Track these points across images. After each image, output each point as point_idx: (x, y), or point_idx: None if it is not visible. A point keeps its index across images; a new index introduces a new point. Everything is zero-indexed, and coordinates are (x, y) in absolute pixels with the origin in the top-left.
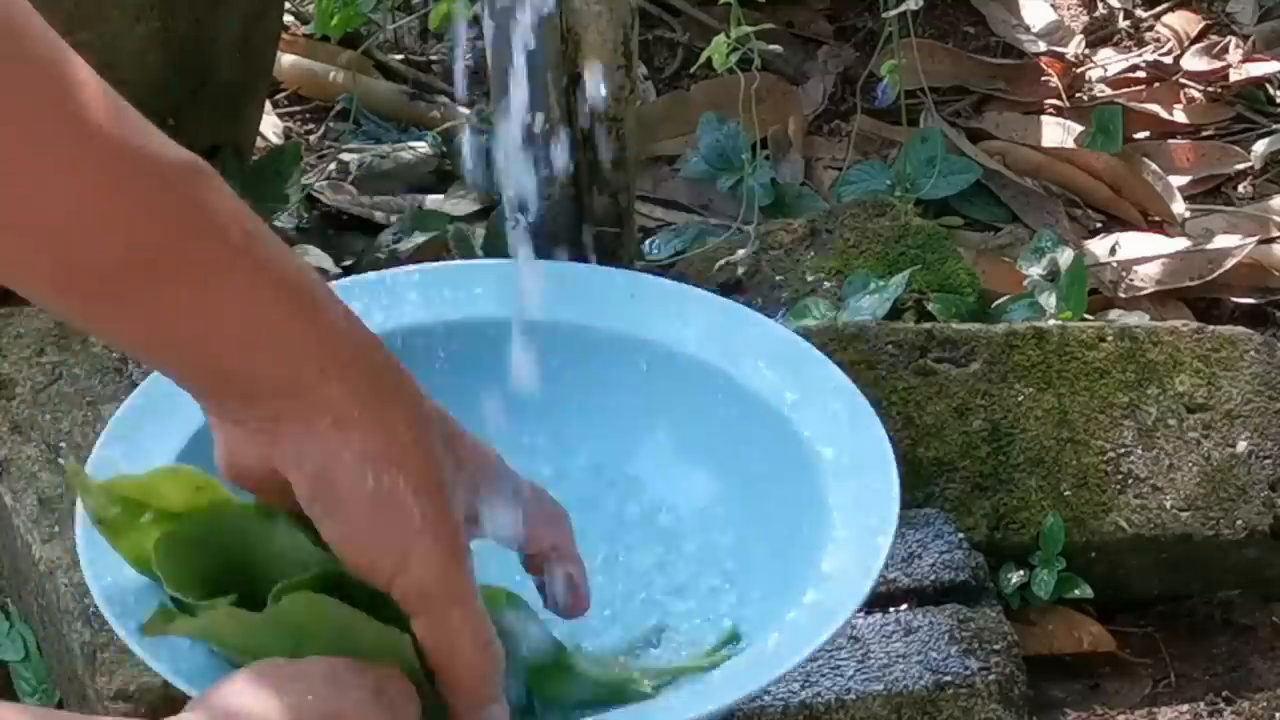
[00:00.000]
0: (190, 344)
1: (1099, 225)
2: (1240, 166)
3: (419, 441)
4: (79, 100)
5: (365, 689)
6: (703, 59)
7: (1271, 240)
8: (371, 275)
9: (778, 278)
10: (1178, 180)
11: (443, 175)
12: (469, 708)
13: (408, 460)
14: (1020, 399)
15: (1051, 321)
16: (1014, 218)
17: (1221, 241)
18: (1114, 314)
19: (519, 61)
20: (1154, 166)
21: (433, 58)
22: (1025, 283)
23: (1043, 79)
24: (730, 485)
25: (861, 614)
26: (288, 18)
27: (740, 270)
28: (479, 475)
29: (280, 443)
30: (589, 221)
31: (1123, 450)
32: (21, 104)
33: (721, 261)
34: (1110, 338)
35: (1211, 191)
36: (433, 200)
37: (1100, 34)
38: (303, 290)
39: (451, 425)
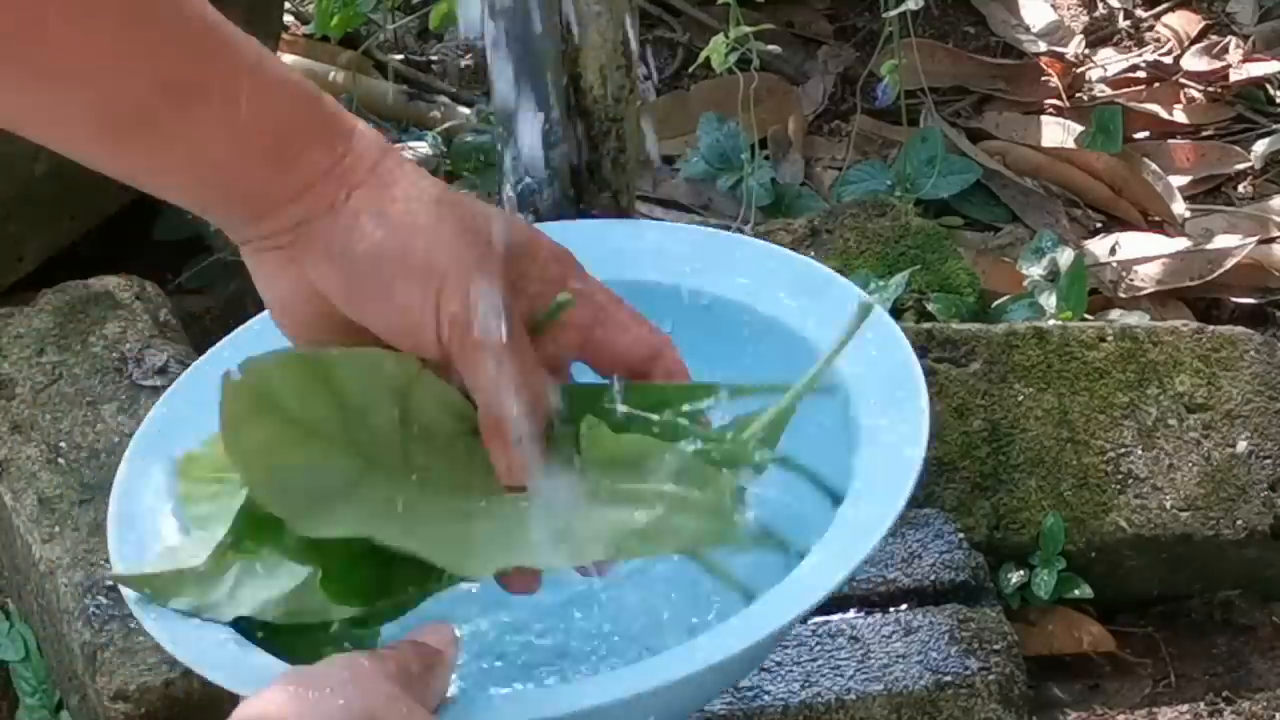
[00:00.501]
0: (226, 163)
1: (1099, 225)
2: (1240, 166)
3: (430, 194)
4: None
5: (391, 678)
6: (702, 59)
7: (1271, 240)
8: None
9: None
10: (1178, 180)
11: (443, 175)
12: (508, 445)
13: (424, 211)
14: (1020, 399)
15: (1051, 321)
16: (1014, 218)
17: (1221, 241)
18: (1114, 314)
19: (519, 61)
20: (1154, 166)
21: (433, 58)
22: (1025, 283)
23: (1043, 79)
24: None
25: (862, 614)
26: (288, 18)
27: None
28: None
29: (311, 247)
30: None
31: (1123, 450)
32: None
33: None
34: (1110, 338)
35: (1211, 191)
36: None
37: (1100, 34)
38: (311, 92)
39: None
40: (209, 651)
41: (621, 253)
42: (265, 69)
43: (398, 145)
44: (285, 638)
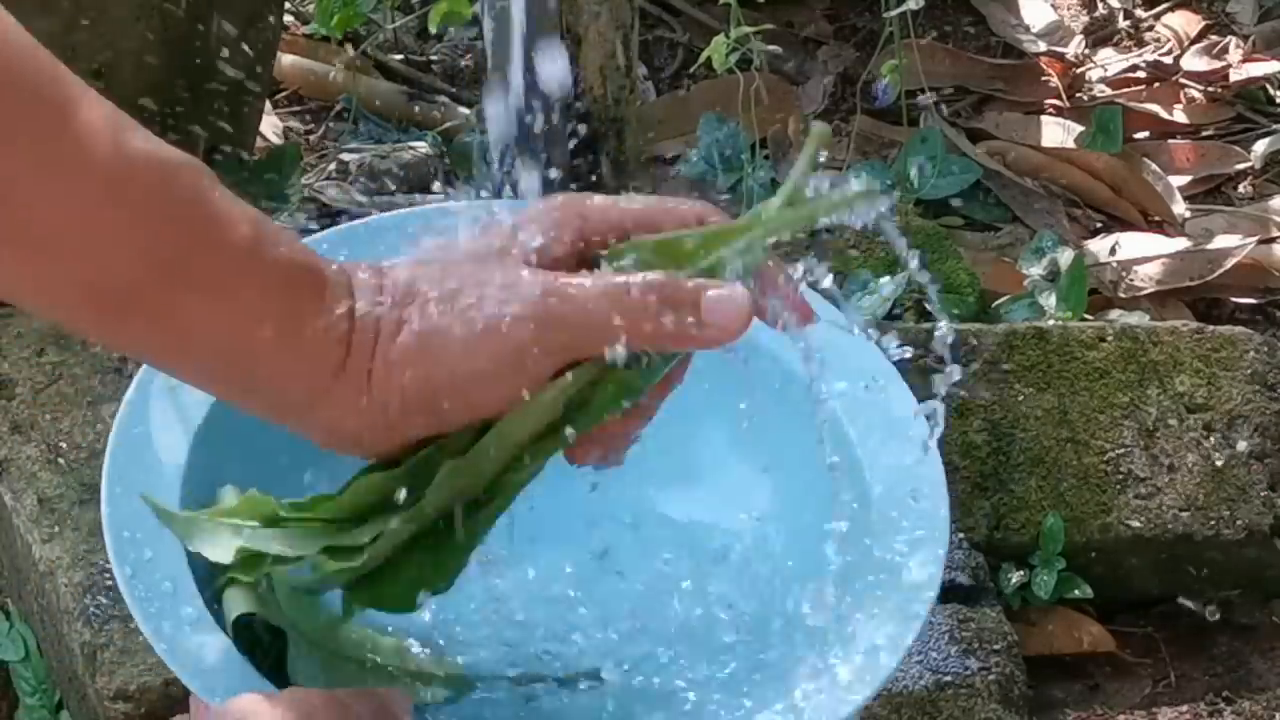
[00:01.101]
0: (216, 354)
1: (1099, 225)
2: (1240, 166)
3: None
4: (77, 115)
5: (367, 713)
6: (702, 59)
7: (1271, 240)
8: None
9: None
10: (1178, 180)
11: (443, 175)
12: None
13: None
14: (1020, 399)
15: (1051, 321)
16: (1014, 218)
17: (1221, 241)
18: (1114, 314)
19: (519, 61)
20: (1154, 166)
21: (433, 58)
22: (1025, 283)
23: (1043, 79)
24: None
25: None
26: (288, 18)
27: None
28: None
29: (366, 388)
30: None
31: (1123, 450)
32: (21, 124)
33: None
34: (1110, 338)
35: (1211, 191)
36: (433, 200)
37: (1100, 34)
38: (309, 286)
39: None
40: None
41: None
42: (260, 252)
43: (399, 145)
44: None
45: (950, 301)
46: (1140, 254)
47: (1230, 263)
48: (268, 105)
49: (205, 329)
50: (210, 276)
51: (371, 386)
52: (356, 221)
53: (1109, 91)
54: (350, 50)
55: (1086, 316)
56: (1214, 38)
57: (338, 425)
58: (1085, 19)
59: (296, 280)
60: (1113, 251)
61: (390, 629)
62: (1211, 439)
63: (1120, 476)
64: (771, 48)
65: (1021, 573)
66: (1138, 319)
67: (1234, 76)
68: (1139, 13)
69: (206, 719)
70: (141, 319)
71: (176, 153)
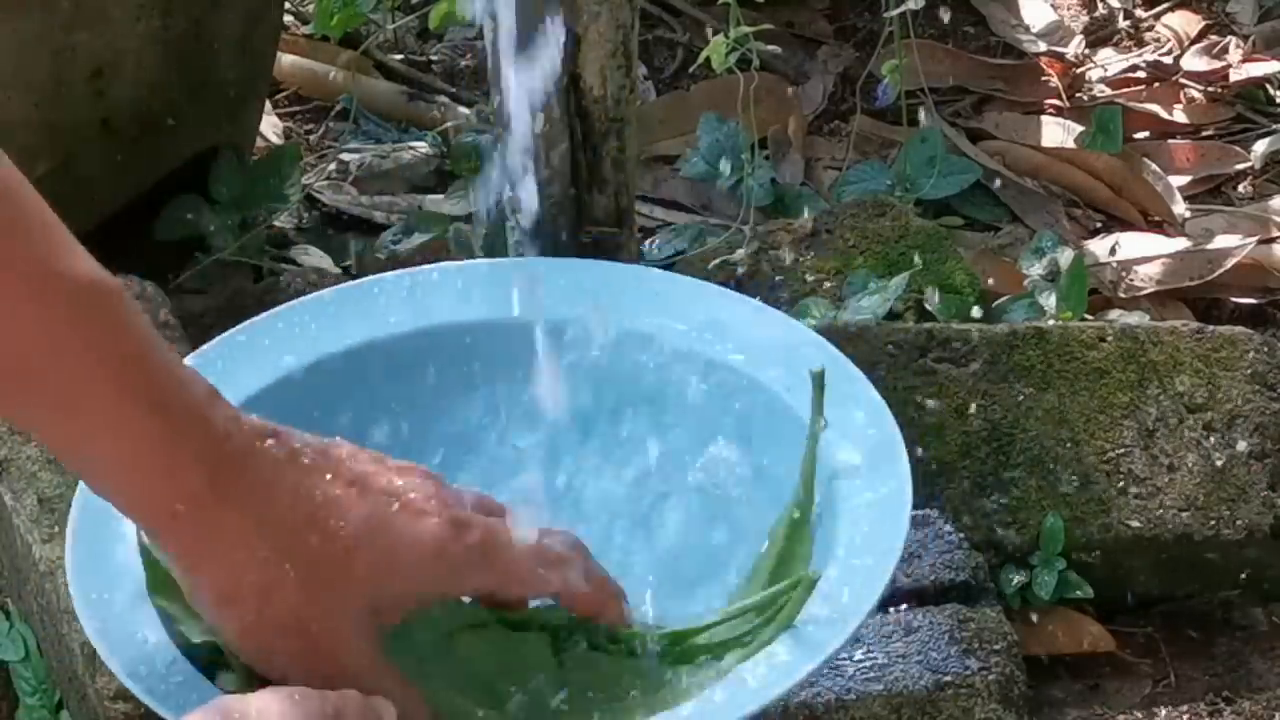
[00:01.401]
0: (74, 463)
1: (1099, 225)
2: (1240, 166)
3: (277, 562)
4: (11, 224)
5: (325, 712)
6: (702, 59)
7: (1271, 240)
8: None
9: (778, 278)
10: (1178, 180)
11: (443, 175)
12: None
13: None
14: (1020, 399)
15: (1051, 321)
16: (1014, 218)
17: (1221, 241)
18: (1114, 314)
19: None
20: (1154, 166)
21: (433, 58)
22: (1025, 283)
23: (1043, 79)
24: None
25: None
26: (288, 18)
27: (740, 270)
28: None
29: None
30: (589, 221)
31: (1123, 450)
32: None
33: (721, 261)
34: (1110, 338)
35: (1211, 191)
36: (433, 200)
37: (1100, 34)
38: (182, 422)
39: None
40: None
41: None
42: (126, 385)
43: (399, 145)
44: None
45: (950, 301)
46: (1140, 254)
47: (1230, 263)
48: (268, 105)
49: (53, 436)
50: (63, 391)
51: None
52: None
53: (1109, 91)
54: (350, 50)
55: (1086, 316)
56: (1214, 38)
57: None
58: (1085, 19)
59: (159, 407)
60: (1113, 251)
61: None
62: (1211, 439)
63: (1120, 476)
64: (771, 48)
65: (1022, 573)
66: (1138, 319)
67: (1234, 76)
68: (1139, 13)
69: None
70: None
71: (86, 270)
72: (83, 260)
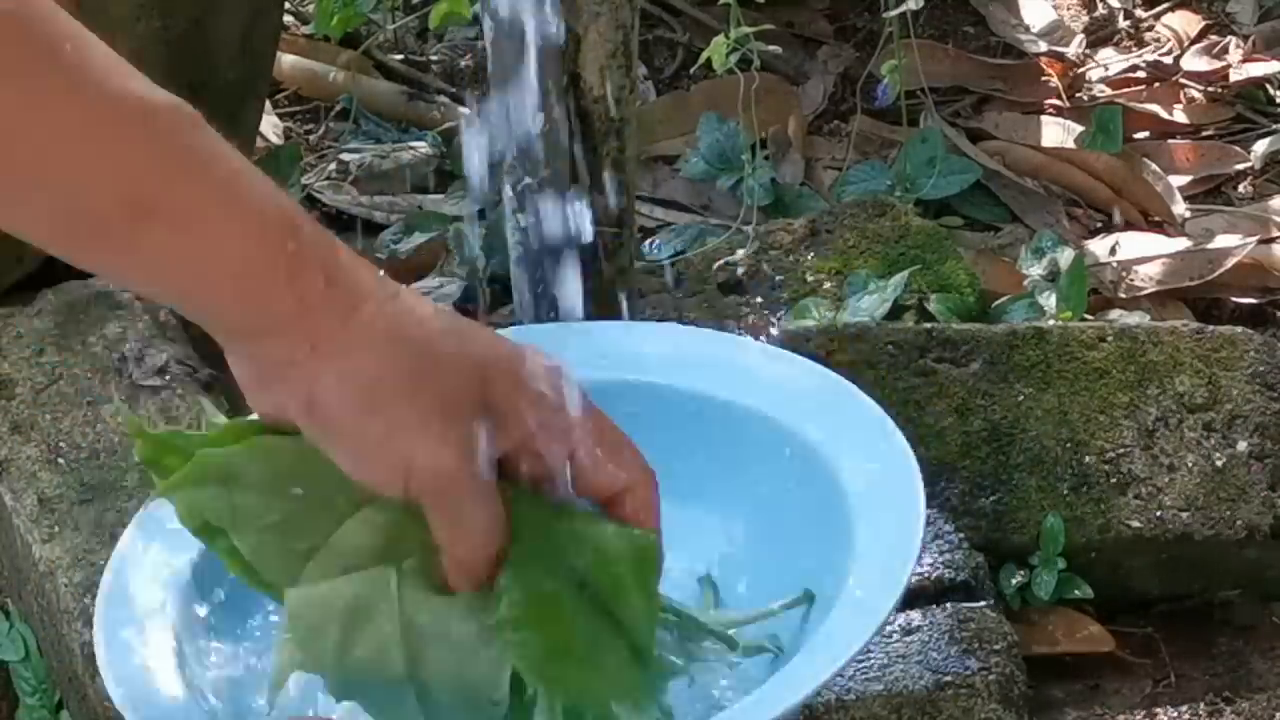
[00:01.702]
0: (185, 283)
1: (1099, 225)
2: (1240, 166)
3: (403, 351)
4: (63, 55)
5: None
6: (702, 59)
7: (1271, 240)
8: None
9: (778, 278)
10: (1178, 180)
11: (443, 175)
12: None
13: (393, 369)
14: (1020, 399)
15: (1051, 321)
16: (1014, 218)
17: (1221, 241)
18: (1114, 314)
19: (519, 61)
20: (1154, 166)
21: (433, 58)
22: (1025, 283)
23: (1043, 79)
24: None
25: None
26: (288, 18)
27: (740, 270)
28: (509, 388)
29: (281, 380)
30: (589, 221)
31: (1123, 450)
32: (12, 56)
33: (721, 262)
34: (1110, 338)
35: (1211, 191)
36: (433, 200)
37: (1100, 34)
38: (283, 227)
39: (465, 332)
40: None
41: (639, 356)
42: (235, 197)
43: (399, 145)
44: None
45: (950, 301)
46: (1140, 254)
47: (1230, 263)
48: (268, 105)
49: (167, 261)
50: (180, 211)
51: (320, 347)
52: None
53: (1109, 91)
54: (350, 50)
55: (1086, 316)
56: (1214, 38)
57: (272, 365)
58: (1085, 19)
59: (267, 218)
60: (1113, 251)
61: None
62: (1211, 439)
63: (1120, 476)
64: (771, 48)
65: (1022, 573)
66: (1138, 319)
67: (1234, 76)
68: (1139, 13)
69: None
70: (109, 250)
71: (164, 95)
72: (147, 83)
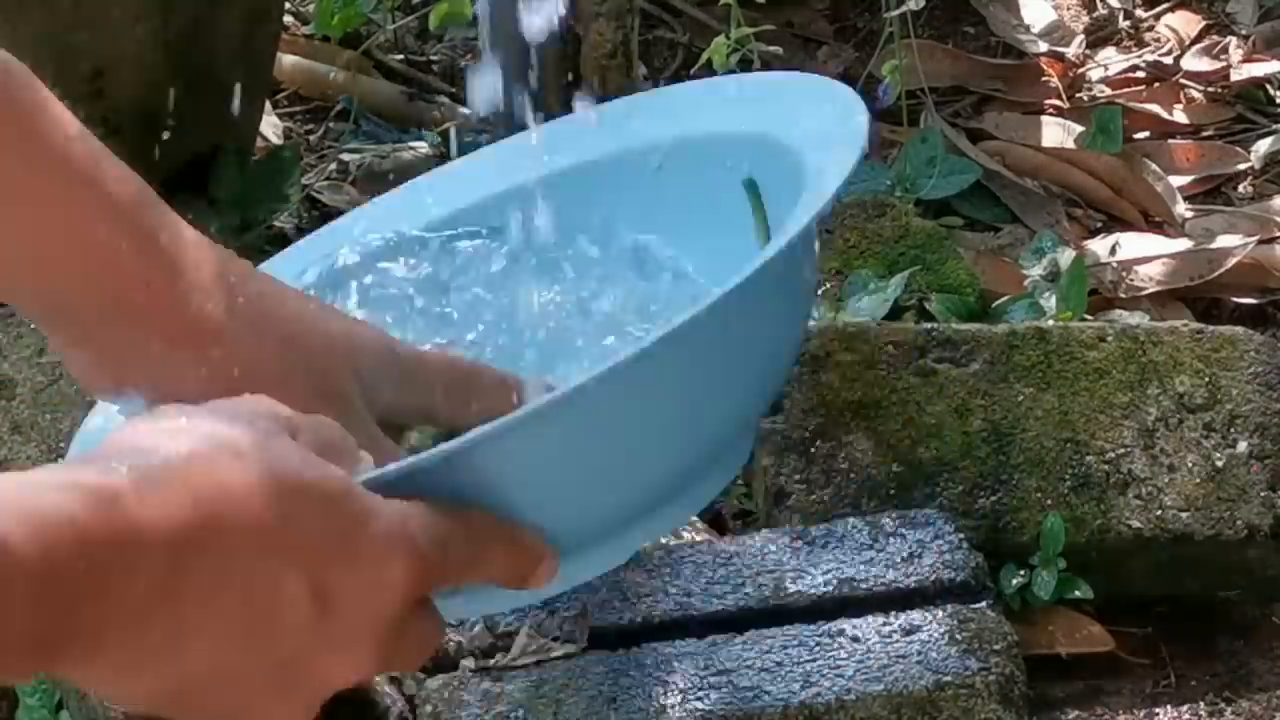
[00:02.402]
0: (18, 262)
1: (1099, 225)
2: (1240, 166)
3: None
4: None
5: (277, 425)
6: (703, 59)
7: (1271, 240)
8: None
9: None
10: (1178, 180)
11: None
12: None
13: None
14: (1020, 399)
15: (1051, 321)
16: (1014, 218)
17: (1221, 241)
18: (1114, 314)
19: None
20: (1154, 166)
21: (433, 58)
22: (1025, 283)
23: (1043, 79)
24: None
25: (861, 614)
26: (288, 18)
27: None
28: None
29: (121, 365)
30: None
31: (1123, 450)
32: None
33: None
34: (1110, 338)
35: (1211, 191)
36: None
37: (1100, 34)
38: (132, 206)
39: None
40: None
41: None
42: (75, 173)
43: (399, 145)
44: None
45: (950, 302)
46: (1140, 254)
47: (1230, 263)
48: (268, 105)
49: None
50: (14, 183)
51: None
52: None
53: (1109, 91)
54: (350, 50)
55: (1086, 316)
56: (1214, 38)
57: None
58: (1085, 19)
59: (110, 195)
60: (1113, 251)
61: None
62: (1211, 439)
63: (1120, 476)
64: (771, 48)
65: (1022, 573)
66: (1138, 319)
67: (1234, 76)
68: (1139, 13)
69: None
70: None
71: None
72: None
